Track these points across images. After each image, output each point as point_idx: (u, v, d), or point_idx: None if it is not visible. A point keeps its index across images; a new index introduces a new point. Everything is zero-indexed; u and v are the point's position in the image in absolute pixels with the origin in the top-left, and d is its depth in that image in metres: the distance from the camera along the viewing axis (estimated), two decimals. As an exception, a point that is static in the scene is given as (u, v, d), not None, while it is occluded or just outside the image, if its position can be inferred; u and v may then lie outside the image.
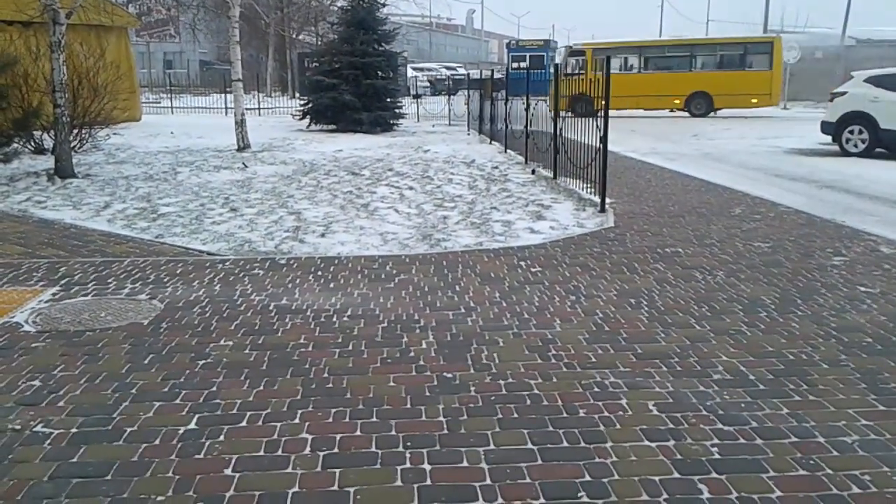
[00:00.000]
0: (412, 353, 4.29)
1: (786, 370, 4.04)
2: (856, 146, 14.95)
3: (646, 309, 5.12)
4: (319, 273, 6.05)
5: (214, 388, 3.81)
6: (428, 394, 3.74)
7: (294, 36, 35.49)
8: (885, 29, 48.89)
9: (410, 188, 10.41)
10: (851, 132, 15.04)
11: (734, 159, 14.61)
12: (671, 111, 28.12)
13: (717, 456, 3.12)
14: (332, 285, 5.70)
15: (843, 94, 15.49)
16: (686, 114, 27.71)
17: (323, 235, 7.50)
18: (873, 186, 11.03)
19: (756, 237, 7.36)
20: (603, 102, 8.30)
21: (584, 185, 9.49)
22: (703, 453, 3.14)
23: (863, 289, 5.57)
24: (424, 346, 4.42)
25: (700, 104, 27.08)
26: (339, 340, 4.52)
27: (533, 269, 6.14)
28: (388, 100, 21.11)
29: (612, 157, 12.12)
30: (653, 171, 12.61)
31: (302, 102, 21.89)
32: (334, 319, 4.92)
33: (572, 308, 5.15)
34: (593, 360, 4.20)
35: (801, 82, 33.54)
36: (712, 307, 5.15)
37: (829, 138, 15.63)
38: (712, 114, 27.24)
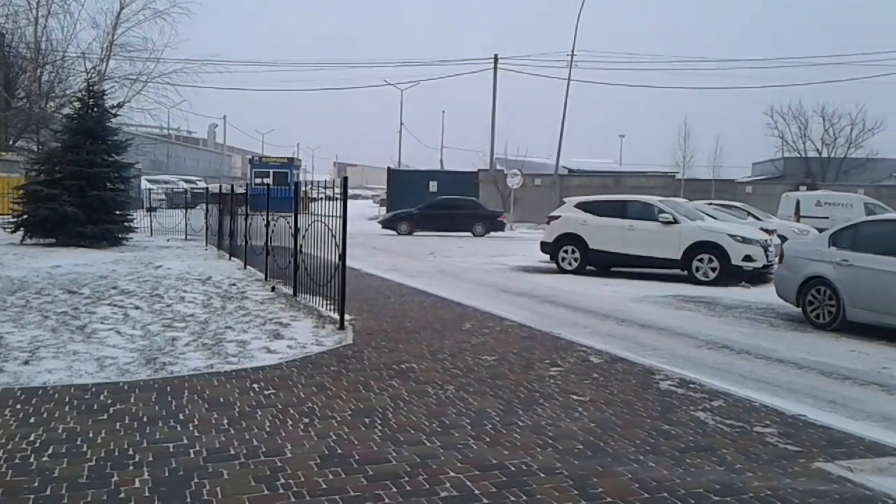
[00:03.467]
0: (122, 495, 3.85)
1: (507, 482, 4.19)
2: (570, 264, 16.61)
3: (379, 428, 5.11)
4: (18, 406, 5.32)
5: None
6: (136, 541, 3.35)
7: (11, 143, 32.53)
8: (591, 160, 56.14)
9: (137, 307, 9.69)
10: (566, 252, 16.73)
11: (467, 276, 15.54)
12: None
13: (441, 579, 3.10)
14: (32, 420, 5.03)
15: (558, 217, 17.30)
16: (428, 231, 29.26)
17: (27, 363, 6.65)
18: (585, 301, 12.25)
19: (484, 351, 7.75)
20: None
21: (325, 303, 9.47)
22: (428, 578, 3.11)
23: (575, 397, 6.03)
24: (138, 484, 4.00)
25: None
26: (36, 485, 3.96)
27: (266, 392, 5.91)
28: (118, 212, 19.90)
29: (354, 274, 12.33)
30: (392, 287, 12.98)
31: (16, 213, 19.88)
32: (31, 460, 4.31)
33: (305, 431, 4.99)
34: (324, 486, 4.06)
35: (523, 206, 37.04)
36: (442, 422, 5.27)
37: (547, 257, 17.25)
38: None
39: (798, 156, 53.63)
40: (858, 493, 4.18)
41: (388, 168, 46.86)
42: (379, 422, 5.24)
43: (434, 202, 32.02)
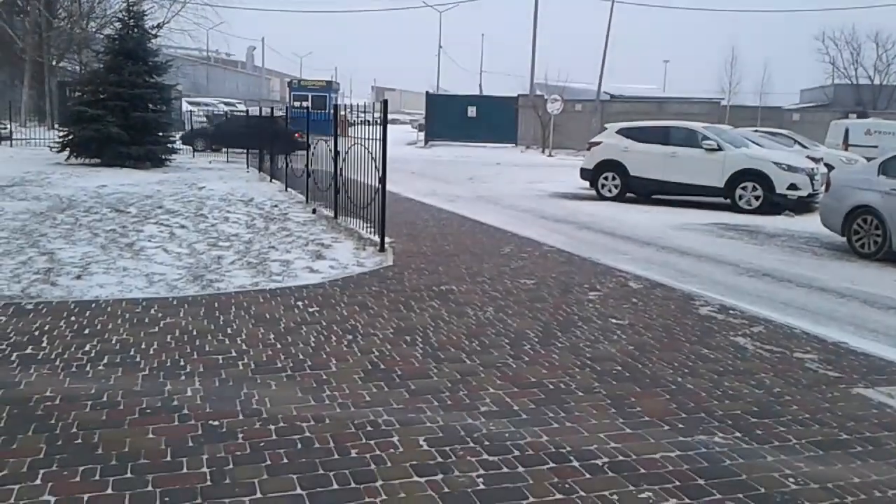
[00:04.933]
0: (175, 402, 4.02)
1: (546, 399, 4.28)
2: (610, 191, 16.44)
3: (420, 346, 5.22)
4: (73, 318, 5.53)
5: (-65, 454, 3.32)
6: (191, 444, 3.52)
7: (54, 63, 32.78)
8: (634, 86, 54.79)
9: (182, 227, 9.90)
10: (606, 178, 16.53)
11: (505, 202, 15.49)
12: None
13: (481, 486, 3.22)
14: (87, 332, 5.23)
15: (599, 143, 17.04)
16: (463, 157, 29.07)
17: (79, 277, 6.89)
18: (624, 228, 12.18)
19: (523, 274, 7.80)
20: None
21: (365, 225, 9.57)
22: (469, 484, 3.23)
23: (614, 321, 6.07)
24: (190, 393, 4.17)
25: None
26: (93, 392, 4.14)
27: (310, 310, 6.05)
28: (160, 133, 20.10)
29: (393, 199, 12.34)
30: (431, 212, 13.02)
31: (62, 134, 20.20)
32: (87, 369, 4.51)
33: (349, 347, 5.12)
34: (367, 398, 4.19)
35: (563, 132, 36.46)
36: (482, 342, 5.36)
37: (587, 183, 17.08)
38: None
39: (849, 83, 51.74)
40: (897, 419, 4.19)
41: (427, 93, 46.27)
42: (420, 340, 5.35)
43: (229, 119, 30.09)
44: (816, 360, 5.19)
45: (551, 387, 4.48)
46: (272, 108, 19.45)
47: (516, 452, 3.56)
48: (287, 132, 29.67)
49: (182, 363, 4.66)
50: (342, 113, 12.70)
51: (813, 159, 16.75)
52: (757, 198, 14.55)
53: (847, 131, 25.24)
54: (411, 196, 15.22)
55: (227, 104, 46.59)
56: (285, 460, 3.39)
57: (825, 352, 5.41)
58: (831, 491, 3.30)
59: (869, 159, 14.40)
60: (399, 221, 11.14)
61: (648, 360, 5.07)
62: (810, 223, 12.46)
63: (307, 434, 3.67)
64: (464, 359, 4.96)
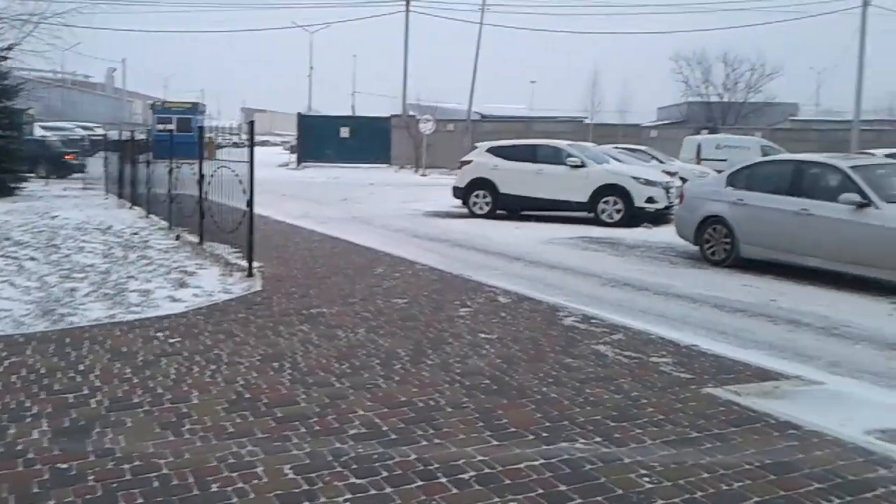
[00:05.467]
0: (20, 447, 3.75)
1: (416, 417, 4.29)
2: (481, 209, 16.76)
3: (288, 372, 5.12)
4: None
5: None
6: (37, 490, 3.30)
7: None
8: (503, 106, 56.33)
9: (32, 259, 9.29)
10: (477, 196, 16.86)
11: (378, 222, 15.51)
12: None
13: (348, 511, 3.18)
14: (-81, 376, 4.81)
15: (470, 162, 17.36)
16: (337, 178, 28.90)
17: (-88, 318, 6.33)
18: (495, 244, 12.45)
19: (395, 294, 7.80)
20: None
21: (232, 250, 9.31)
22: (335, 511, 3.18)
23: (483, 335, 6.17)
24: (36, 436, 3.90)
25: None
26: (-75, 442, 3.80)
27: (171, 340, 5.81)
28: (9, 161, 18.90)
29: (263, 222, 12.10)
30: (302, 234, 12.83)
31: None
32: (-81, 417, 4.14)
33: (212, 378, 4.95)
34: (231, 430, 4.06)
35: (436, 152, 36.93)
36: (352, 364, 5.31)
37: (459, 202, 17.34)
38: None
39: (701, 100, 55.26)
40: (743, 415, 4.47)
41: (298, 114, 45.69)
42: (288, 366, 5.24)
43: None
44: (671, 363, 5.47)
45: (421, 405, 4.50)
46: (132, 132, 18.67)
47: (385, 473, 3.54)
48: (57, 154, 27.54)
49: (28, 404, 4.35)
50: (208, 135, 12.34)
51: (668, 173, 17.77)
52: (618, 211, 15.23)
53: (699, 146, 27.02)
54: (282, 219, 14.93)
55: (84, 128, 44.21)
56: (140, 500, 3.23)
57: (679, 355, 5.71)
58: (683, 487, 3.48)
59: (719, 172, 15.41)
60: (269, 245, 10.91)
61: (515, 373, 5.18)
62: (667, 234, 13.16)
63: (165, 471, 3.51)
64: (333, 382, 4.90)
